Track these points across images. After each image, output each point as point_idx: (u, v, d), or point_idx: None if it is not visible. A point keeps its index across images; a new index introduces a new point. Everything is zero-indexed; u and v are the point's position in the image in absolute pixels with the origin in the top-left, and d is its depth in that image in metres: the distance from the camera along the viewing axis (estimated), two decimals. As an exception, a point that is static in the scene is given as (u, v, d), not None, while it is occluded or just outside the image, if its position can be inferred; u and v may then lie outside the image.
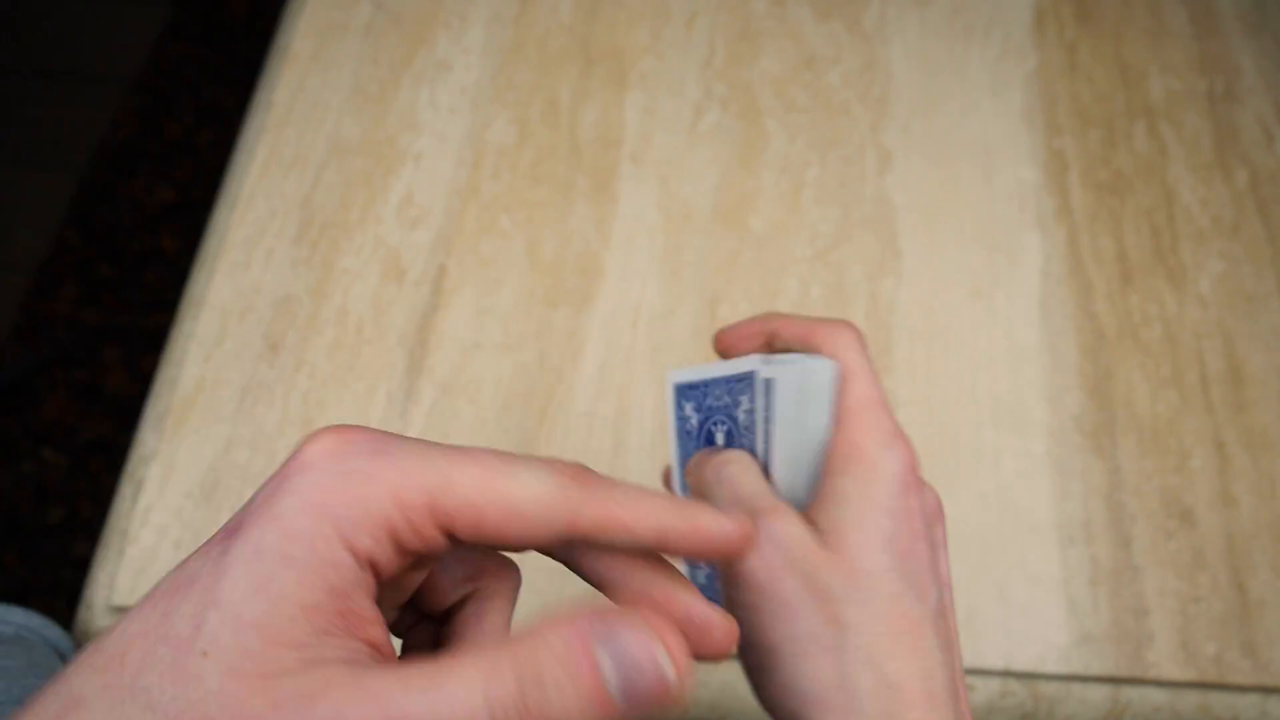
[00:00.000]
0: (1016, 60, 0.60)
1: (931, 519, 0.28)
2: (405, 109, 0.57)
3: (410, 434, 0.49)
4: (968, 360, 0.50)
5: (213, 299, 0.51)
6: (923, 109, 0.58)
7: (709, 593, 0.28)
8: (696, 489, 0.29)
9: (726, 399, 0.30)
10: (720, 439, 0.30)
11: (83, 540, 1.15)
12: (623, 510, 0.19)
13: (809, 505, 0.27)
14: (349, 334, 0.50)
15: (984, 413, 0.49)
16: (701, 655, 0.20)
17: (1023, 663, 0.43)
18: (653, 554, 0.21)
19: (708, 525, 0.20)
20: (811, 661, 0.24)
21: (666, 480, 0.35)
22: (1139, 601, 0.44)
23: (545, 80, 0.59)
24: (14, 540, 1.15)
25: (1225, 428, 0.48)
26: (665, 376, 0.32)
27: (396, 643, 0.21)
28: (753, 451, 0.29)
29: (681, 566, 0.26)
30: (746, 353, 0.32)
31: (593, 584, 0.21)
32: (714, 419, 0.30)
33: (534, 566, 0.30)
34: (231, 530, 0.17)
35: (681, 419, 0.32)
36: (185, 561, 0.18)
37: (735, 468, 0.28)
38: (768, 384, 0.28)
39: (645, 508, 0.19)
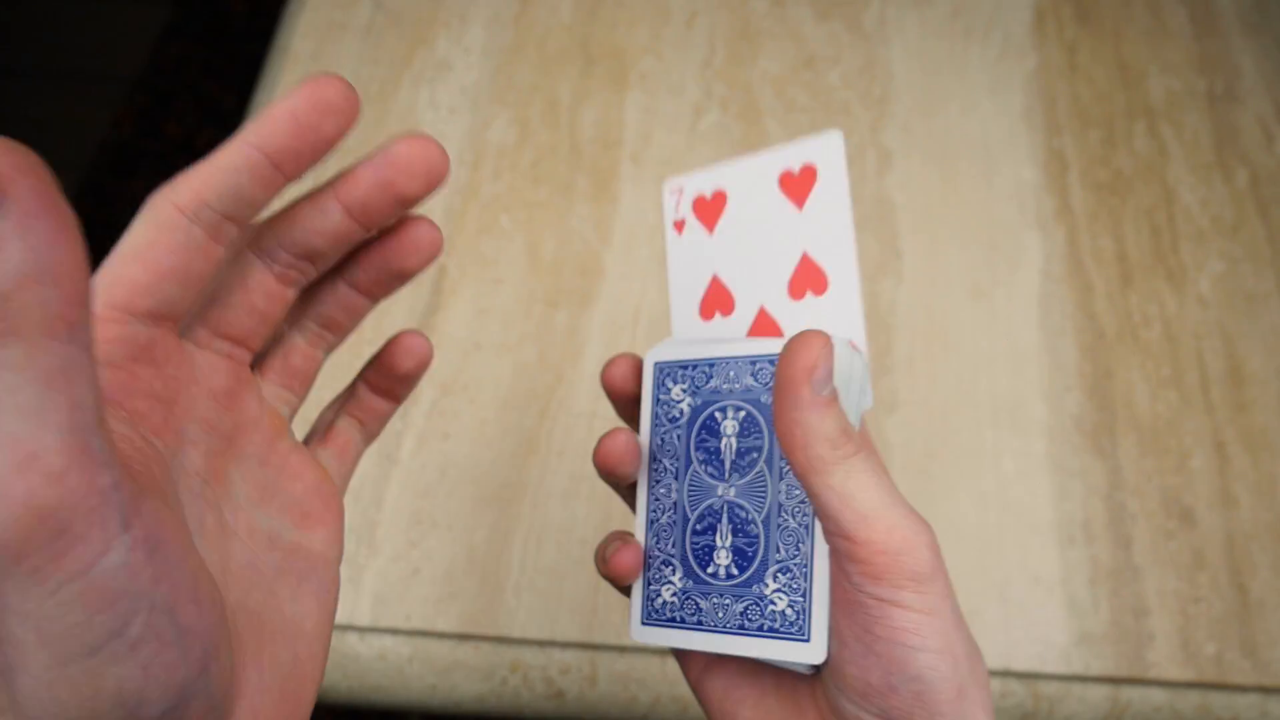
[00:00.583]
0: (1016, 60, 0.60)
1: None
2: (405, 109, 0.57)
3: (410, 435, 0.49)
4: (968, 360, 0.50)
5: (213, 299, 0.51)
6: (923, 109, 0.58)
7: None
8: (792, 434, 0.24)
9: (751, 381, 0.27)
10: (731, 426, 0.27)
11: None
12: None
13: None
14: (349, 334, 0.50)
15: (984, 413, 0.49)
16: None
17: (1022, 663, 0.43)
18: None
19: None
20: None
21: (610, 460, 0.29)
22: (1139, 601, 0.44)
23: (545, 80, 0.59)
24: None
25: (1225, 428, 0.48)
26: (645, 357, 0.30)
27: None
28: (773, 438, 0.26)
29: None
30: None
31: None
32: (722, 404, 0.27)
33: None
34: None
35: (663, 403, 0.29)
36: None
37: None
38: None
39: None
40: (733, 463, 0.27)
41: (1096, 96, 0.59)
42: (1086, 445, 0.48)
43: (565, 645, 0.43)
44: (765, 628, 0.26)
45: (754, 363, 0.27)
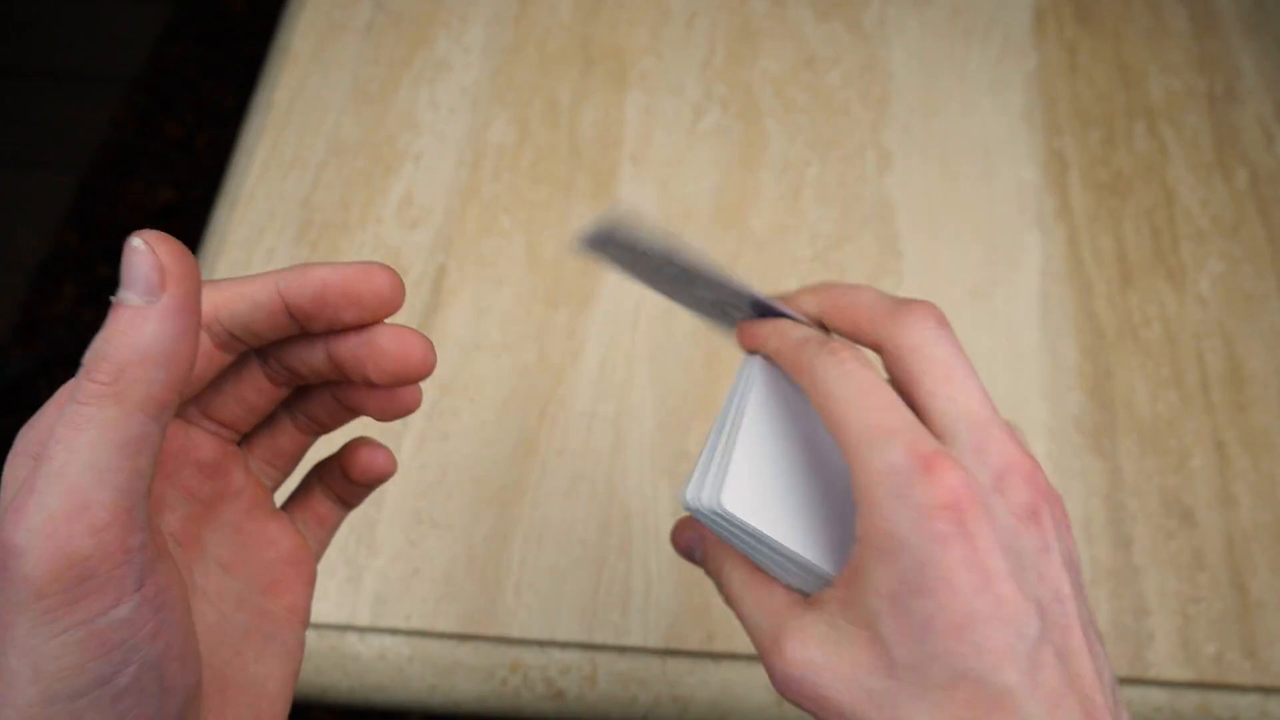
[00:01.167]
0: (1016, 60, 0.60)
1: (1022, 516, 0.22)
2: (405, 109, 0.57)
3: (410, 435, 0.49)
4: (968, 360, 0.50)
5: (213, 299, 0.51)
6: (923, 109, 0.58)
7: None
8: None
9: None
10: None
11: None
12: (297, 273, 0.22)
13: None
14: (349, 334, 0.50)
15: (984, 413, 0.49)
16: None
17: (1023, 663, 0.43)
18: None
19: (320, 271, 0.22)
20: None
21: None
22: (1139, 601, 0.44)
23: (545, 80, 0.59)
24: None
25: (1225, 428, 0.48)
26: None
27: None
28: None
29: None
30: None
31: (341, 368, 0.24)
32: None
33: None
34: None
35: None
36: None
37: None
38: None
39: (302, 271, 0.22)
40: None
41: (1096, 96, 0.59)
42: (1086, 445, 0.48)
43: (565, 645, 0.43)
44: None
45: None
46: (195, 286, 0.18)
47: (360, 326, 0.23)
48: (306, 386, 0.26)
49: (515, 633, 0.43)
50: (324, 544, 0.28)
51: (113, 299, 0.18)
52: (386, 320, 0.23)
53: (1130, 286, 0.52)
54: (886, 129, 0.57)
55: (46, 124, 1.45)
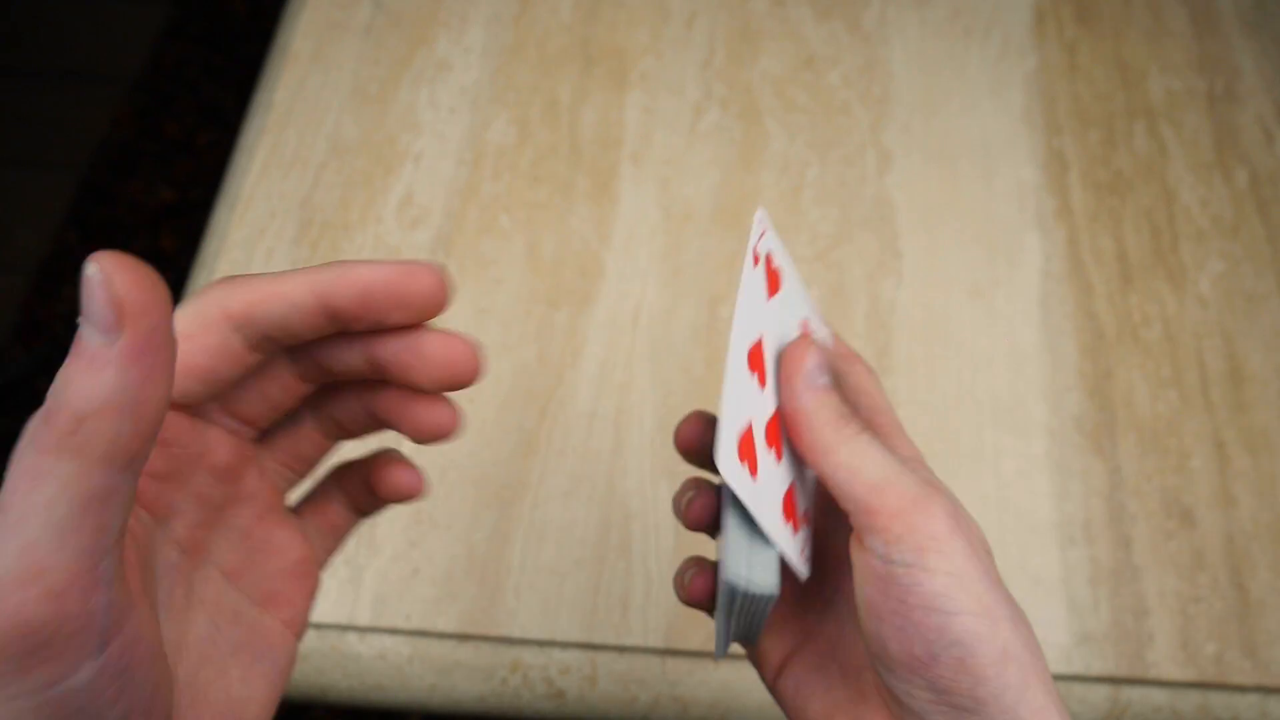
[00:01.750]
0: (1016, 60, 0.60)
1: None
2: (405, 109, 0.57)
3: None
4: (968, 360, 0.50)
5: (213, 299, 0.51)
6: (923, 109, 0.58)
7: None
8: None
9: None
10: None
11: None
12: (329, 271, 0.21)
13: None
14: (349, 334, 0.50)
15: (984, 413, 0.49)
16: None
17: (1023, 663, 0.43)
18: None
19: (361, 270, 0.21)
20: None
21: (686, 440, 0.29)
22: (1139, 601, 0.44)
23: (545, 80, 0.59)
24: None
25: (1225, 428, 0.48)
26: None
27: None
28: None
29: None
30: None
31: (385, 368, 0.22)
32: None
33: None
34: None
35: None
36: None
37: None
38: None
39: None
40: None
41: (1096, 96, 0.59)
42: (1087, 445, 0.48)
43: (565, 645, 0.43)
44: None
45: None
46: (162, 321, 0.16)
47: (404, 327, 0.21)
48: (335, 386, 0.24)
49: (515, 633, 0.43)
50: (332, 552, 0.27)
51: (79, 324, 0.16)
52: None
53: (1130, 286, 0.52)
54: (886, 129, 0.57)
55: (46, 124, 1.45)
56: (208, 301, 0.20)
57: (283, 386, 0.23)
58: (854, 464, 0.23)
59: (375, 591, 0.44)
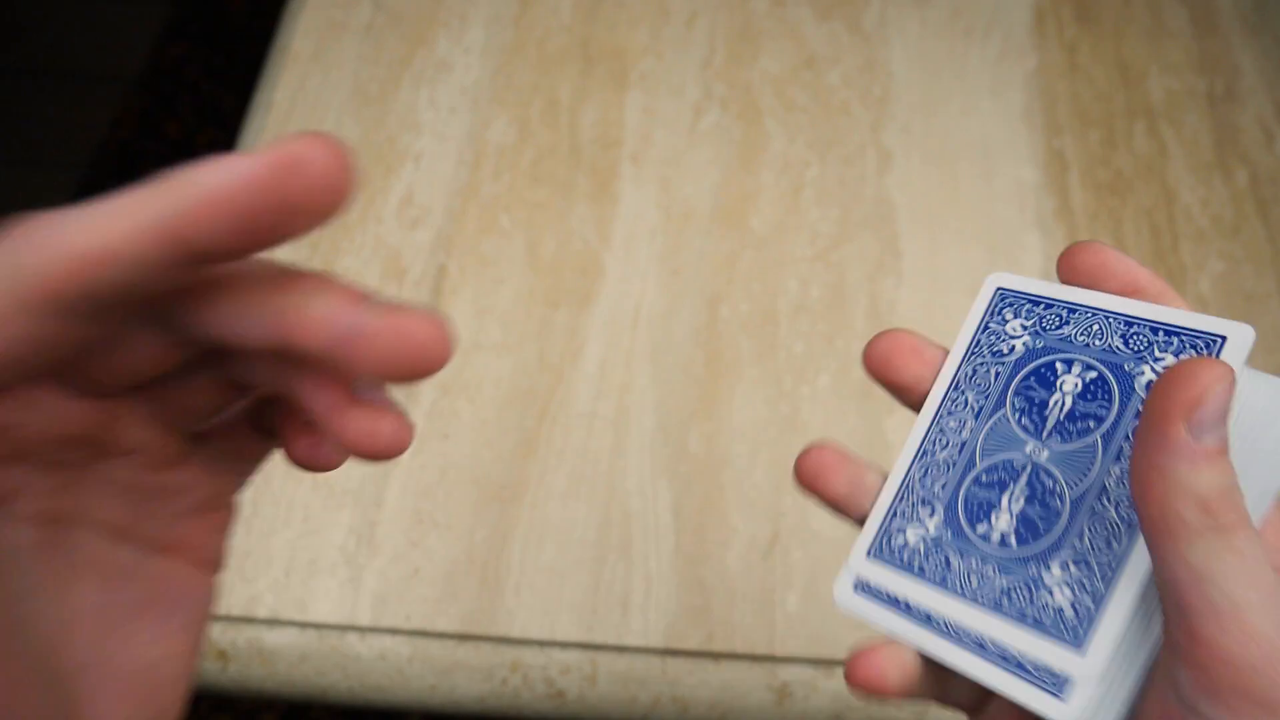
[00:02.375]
0: (1016, 60, 0.60)
1: None
2: (405, 109, 0.57)
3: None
4: (968, 360, 0.50)
5: (213, 299, 0.51)
6: (923, 109, 0.58)
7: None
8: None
9: (1119, 343, 0.23)
10: (1071, 384, 0.23)
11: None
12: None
13: None
14: (349, 334, 0.50)
15: (984, 413, 0.49)
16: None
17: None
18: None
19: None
20: None
21: (812, 472, 0.26)
22: None
23: (545, 80, 0.59)
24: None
25: (1225, 428, 0.48)
26: (986, 279, 0.26)
27: None
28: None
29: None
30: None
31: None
32: (1070, 356, 0.23)
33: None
34: None
35: (991, 331, 0.25)
36: None
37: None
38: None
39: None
40: (1058, 423, 0.23)
41: (1096, 96, 0.59)
42: (1086, 445, 0.48)
43: (565, 645, 0.43)
44: (1029, 616, 0.21)
45: (1130, 324, 0.23)
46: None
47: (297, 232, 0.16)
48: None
49: (515, 633, 0.43)
50: (248, 475, 0.22)
51: None
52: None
53: (1130, 286, 0.52)
54: (886, 129, 0.57)
55: (46, 124, 1.45)
56: None
57: (149, 356, 0.18)
58: (1208, 569, 0.18)
59: (375, 592, 0.44)
